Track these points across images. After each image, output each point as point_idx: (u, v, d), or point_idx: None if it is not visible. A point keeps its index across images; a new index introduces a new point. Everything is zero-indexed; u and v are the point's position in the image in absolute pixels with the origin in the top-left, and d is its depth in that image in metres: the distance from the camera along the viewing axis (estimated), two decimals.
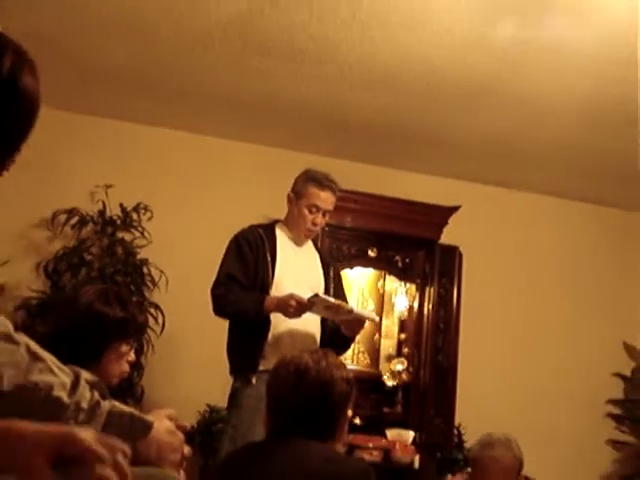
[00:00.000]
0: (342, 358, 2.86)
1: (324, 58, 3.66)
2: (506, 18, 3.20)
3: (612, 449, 4.52)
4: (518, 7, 3.11)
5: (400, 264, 4.40)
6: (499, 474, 2.91)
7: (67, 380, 1.28)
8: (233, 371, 3.07)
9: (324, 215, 3.20)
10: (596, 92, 3.65)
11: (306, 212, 3.16)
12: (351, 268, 4.29)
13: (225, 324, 3.11)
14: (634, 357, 4.71)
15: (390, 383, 4.28)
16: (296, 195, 3.20)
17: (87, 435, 0.79)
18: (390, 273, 4.47)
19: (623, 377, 4.73)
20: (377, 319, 3.97)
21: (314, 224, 3.19)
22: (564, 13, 3.04)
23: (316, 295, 2.96)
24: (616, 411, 4.69)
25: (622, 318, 4.80)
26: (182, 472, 1.53)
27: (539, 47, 3.37)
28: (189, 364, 4.16)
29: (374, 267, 4.45)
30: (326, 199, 3.17)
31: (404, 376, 4.29)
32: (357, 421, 3.87)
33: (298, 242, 3.24)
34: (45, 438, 0.76)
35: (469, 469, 3.11)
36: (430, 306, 4.34)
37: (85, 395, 1.29)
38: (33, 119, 1.04)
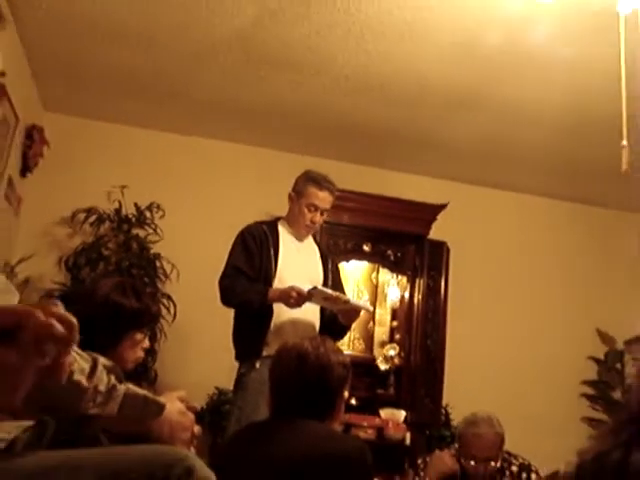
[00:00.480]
0: (339, 344, 2.87)
1: (322, 69, 3.66)
2: (490, 31, 3.19)
3: (587, 426, 4.53)
4: (501, 21, 3.11)
5: (392, 258, 4.41)
6: (483, 449, 2.92)
7: (86, 365, 1.28)
8: (239, 357, 3.08)
9: (322, 213, 3.20)
10: (575, 100, 3.65)
11: (305, 210, 3.16)
12: (347, 261, 4.29)
13: (231, 313, 3.11)
14: (606, 342, 4.73)
15: (383, 367, 4.30)
16: (297, 194, 3.20)
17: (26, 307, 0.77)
18: (383, 266, 4.48)
19: (597, 360, 4.74)
20: (371, 309, 3.98)
21: (313, 222, 3.19)
22: (546, 26, 3.03)
23: (315, 287, 2.96)
24: (590, 391, 4.71)
25: (596, 307, 4.81)
26: (192, 449, 1.53)
27: (521, 58, 3.36)
28: (198, 350, 4.17)
29: (368, 260, 4.46)
30: (324, 199, 3.17)
31: (396, 360, 4.30)
32: (353, 402, 3.88)
33: (299, 238, 3.24)
34: None
35: (456, 445, 3.12)
36: (420, 296, 4.34)
37: (103, 379, 1.29)
38: None
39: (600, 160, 3.43)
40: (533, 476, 3.01)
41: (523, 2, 2.80)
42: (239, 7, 3.19)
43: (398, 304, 4.49)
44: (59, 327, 0.74)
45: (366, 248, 4.36)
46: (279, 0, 3.12)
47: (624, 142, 2.65)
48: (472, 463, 2.94)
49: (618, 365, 4.69)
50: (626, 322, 4.71)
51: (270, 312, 3.00)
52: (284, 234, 3.21)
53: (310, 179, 3.19)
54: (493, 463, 2.94)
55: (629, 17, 2.54)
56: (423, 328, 4.31)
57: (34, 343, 0.73)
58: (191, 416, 1.52)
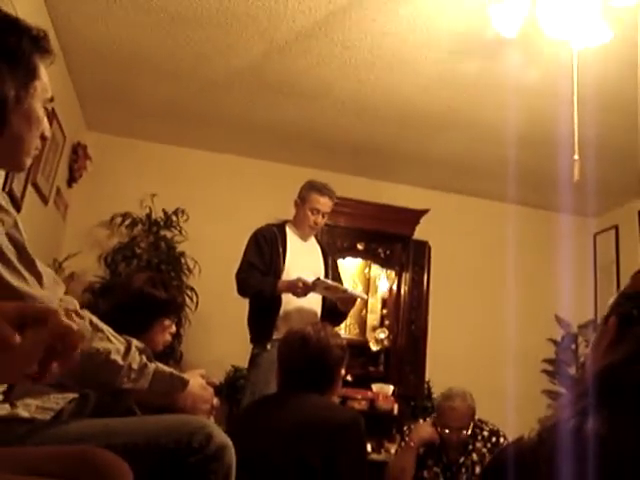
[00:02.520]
0: (337, 329, 2.87)
1: (322, 94, 3.65)
2: (465, 62, 3.19)
3: (547, 397, 4.52)
4: (475, 54, 3.10)
5: (382, 255, 4.40)
6: (456, 420, 2.94)
7: (121, 347, 1.28)
8: (252, 339, 3.07)
9: (323, 216, 3.20)
10: (537, 120, 3.63)
11: (309, 214, 3.16)
12: (344, 258, 4.28)
13: (246, 302, 3.11)
14: (563, 327, 4.72)
15: (374, 348, 4.29)
16: (301, 200, 3.19)
17: (50, 308, 0.77)
18: (374, 262, 4.47)
19: (555, 342, 4.73)
20: (365, 297, 3.97)
21: (315, 223, 3.18)
22: (515, 56, 3.03)
23: (318, 279, 2.96)
24: (549, 368, 4.69)
25: (555, 297, 4.79)
26: (212, 418, 1.53)
27: (492, 85, 3.36)
28: (218, 334, 4.16)
29: (362, 257, 4.45)
30: (325, 203, 3.17)
31: (385, 342, 4.29)
32: (348, 378, 3.87)
33: (304, 238, 3.24)
34: (9, 309, 0.74)
35: (434, 414, 3.12)
36: (406, 288, 4.34)
37: (135, 358, 1.29)
38: None
39: (557, 171, 3.42)
40: (501, 440, 3.01)
41: (493, 37, 2.79)
42: (252, 43, 3.19)
43: (387, 294, 4.48)
44: (73, 334, 0.75)
45: (360, 247, 4.35)
46: (285, 37, 3.12)
47: (576, 156, 2.65)
48: (447, 431, 2.95)
49: (573, 346, 4.68)
50: (579, 309, 4.71)
51: (279, 301, 3.00)
52: (291, 234, 3.21)
53: (313, 187, 3.19)
54: (465, 432, 2.95)
55: (581, 52, 2.55)
56: (408, 315, 4.30)
57: (50, 337, 0.73)
58: (211, 390, 1.52)
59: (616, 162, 3.72)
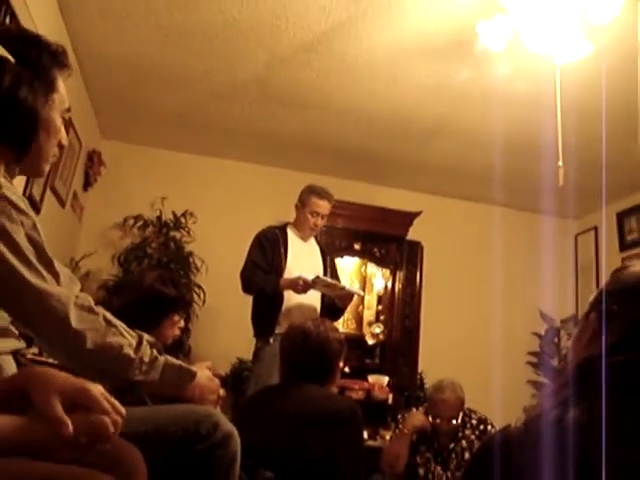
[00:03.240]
0: (336, 324, 2.87)
1: (321, 104, 3.65)
2: (456, 73, 3.19)
3: (531, 387, 4.52)
4: (465, 65, 3.10)
5: (378, 254, 4.40)
6: (446, 410, 2.93)
7: (133, 341, 1.27)
8: (256, 333, 3.07)
9: (322, 218, 3.20)
10: (523, 128, 3.64)
11: (309, 216, 3.15)
12: (342, 257, 4.28)
13: (250, 299, 3.10)
14: (546, 321, 4.72)
15: (370, 342, 4.29)
16: (302, 204, 3.19)
17: (97, 390, 0.78)
18: (370, 261, 4.47)
19: (539, 335, 4.73)
20: (362, 293, 3.96)
21: (315, 225, 3.18)
22: (501, 69, 3.03)
23: (318, 277, 2.96)
24: (534, 360, 4.70)
25: (539, 294, 4.79)
26: (218, 408, 1.53)
27: (480, 95, 3.36)
28: (223, 328, 4.16)
29: (358, 257, 4.45)
30: (324, 206, 3.17)
31: (381, 336, 4.29)
32: (346, 369, 3.87)
33: (304, 238, 3.24)
34: (66, 386, 0.75)
35: (426, 404, 3.12)
36: (400, 285, 4.34)
37: (147, 352, 1.29)
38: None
39: (540, 176, 3.42)
40: (489, 427, 3.00)
41: (481, 51, 2.79)
42: (255, 56, 3.19)
43: (382, 291, 4.48)
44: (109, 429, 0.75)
45: (357, 247, 4.35)
46: (287, 51, 3.12)
47: (560, 163, 2.66)
48: (438, 420, 2.95)
49: (555, 339, 4.69)
50: (561, 305, 4.72)
51: (281, 298, 3.00)
52: (292, 236, 3.20)
53: (312, 191, 3.19)
54: (454, 421, 2.95)
55: (563, 66, 2.55)
56: (402, 311, 4.30)
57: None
58: (217, 381, 1.51)
59: (596, 168, 3.72)
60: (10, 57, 0.78)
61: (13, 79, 0.71)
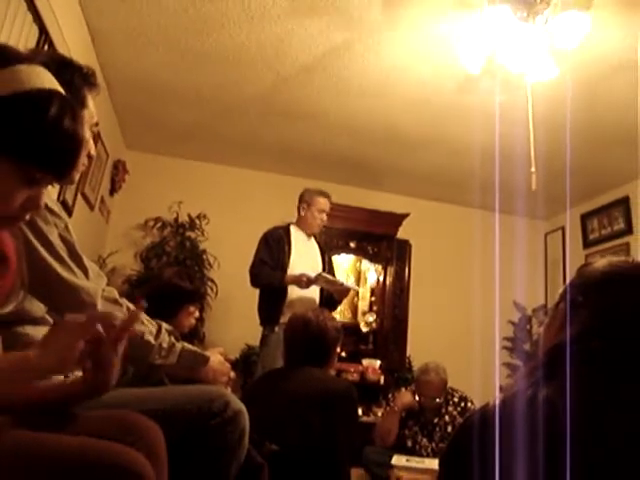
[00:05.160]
0: (333, 314, 2.87)
1: (320, 118, 3.65)
2: (442, 89, 3.19)
3: (506, 369, 4.52)
4: (449, 82, 3.10)
5: (371, 252, 4.40)
6: (431, 390, 2.95)
7: (153, 329, 1.28)
8: (262, 322, 3.07)
9: (327, 215, 3.21)
10: (500, 139, 3.62)
11: (317, 214, 3.15)
12: (339, 255, 4.29)
13: (257, 292, 3.10)
14: (519, 310, 4.72)
15: (364, 329, 4.29)
16: (307, 204, 3.17)
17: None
18: (364, 258, 4.48)
19: (513, 323, 4.73)
20: (357, 288, 3.97)
21: (322, 221, 3.19)
22: (481, 86, 3.02)
23: (320, 273, 2.96)
24: (508, 345, 4.70)
25: (513, 287, 4.78)
26: (229, 388, 1.53)
27: (463, 109, 3.35)
28: (234, 318, 4.15)
29: (354, 254, 4.45)
30: (327, 204, 3.19)
31: (373, 325, 4.29)
32: (343, 354, 3.88)
33: (309, 236, 3.23)
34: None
35: (413, 385, 3.12)
36: (390, 279, 4.34)
37: (165, 339, 1.29)
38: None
39: (514, 182, 3.42)
40: (469, 404, 3.01)
41: (463, 71, 2.78)
42: (262, 75, 3.19)
43: (375, 285, 4.48)
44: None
45: (352, 245, 4.35)
46: (290, 70, 3.12)
47: (533, 169, 2.66)
48: (423, 399, 2.96)
49: (528, 326, 4.69)
50: (533, 296, 4.72)
51: (285, 291, 2.99)
52: (295, 235, 3.20)
53: (315, 192, 3.19)
54: (438, 400, 2.96)
55: (534, 84, 2.55)
56: (393, 302, 4.30)
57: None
58: (228, 365, 1.51)
59: (562, 175, 3.71)
60: (60, 88, 0.76)
61: (59, 110, 0.69)
